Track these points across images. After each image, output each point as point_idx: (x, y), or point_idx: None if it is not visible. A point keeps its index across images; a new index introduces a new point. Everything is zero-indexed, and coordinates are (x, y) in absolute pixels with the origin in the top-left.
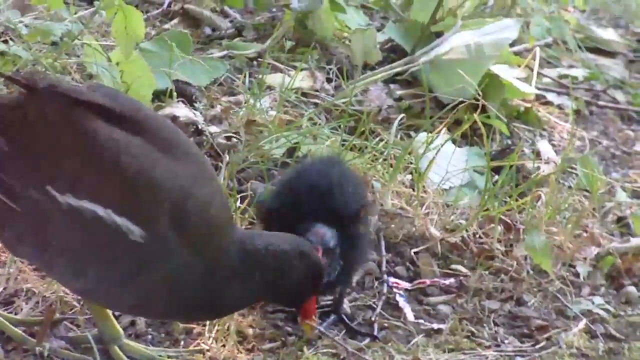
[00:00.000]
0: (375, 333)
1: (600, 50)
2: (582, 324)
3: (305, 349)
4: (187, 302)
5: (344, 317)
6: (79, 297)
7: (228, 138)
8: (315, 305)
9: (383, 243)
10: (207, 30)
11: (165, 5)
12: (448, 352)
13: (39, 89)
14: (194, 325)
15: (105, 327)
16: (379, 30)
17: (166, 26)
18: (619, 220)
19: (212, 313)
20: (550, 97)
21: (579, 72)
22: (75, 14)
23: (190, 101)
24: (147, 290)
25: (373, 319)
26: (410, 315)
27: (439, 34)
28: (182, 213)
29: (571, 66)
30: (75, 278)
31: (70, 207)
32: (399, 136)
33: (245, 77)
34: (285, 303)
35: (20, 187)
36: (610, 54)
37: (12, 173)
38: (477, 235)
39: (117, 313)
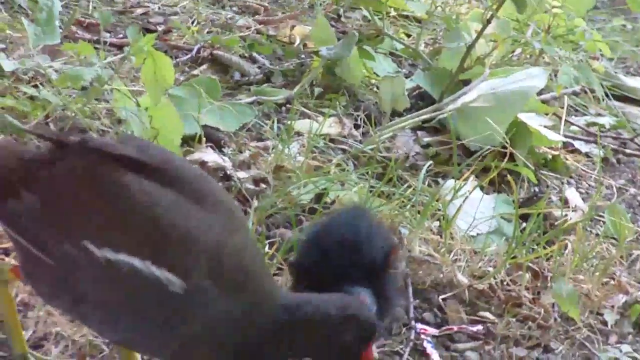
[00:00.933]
0: None
1: (627, 98)
2: None
3: None
4: (227, 350)
5: None
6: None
7: (256, 183)
8: (372, 354)
9: (411, 289)
10: (236, 76)
11: (194, 52)
12: None
13: (69, 145)
14: None
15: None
16: (407, 77)
17: (195, 72)
18: None
19: None
20: (578, 145)
21: (607, 120)
22: (105, 59)
23: (218, 146)
24: (187, 341)
25: None
26: None
27: (466, 82)
28: (217, 262)
29: (599, 114)
30: (112, 330)
31: (108, 261)
32: (426, 183)
33: (273, 122)
34: None
35: (54, 242)
36: (638, 102)
37: (45, 228)
38: (505, 283)
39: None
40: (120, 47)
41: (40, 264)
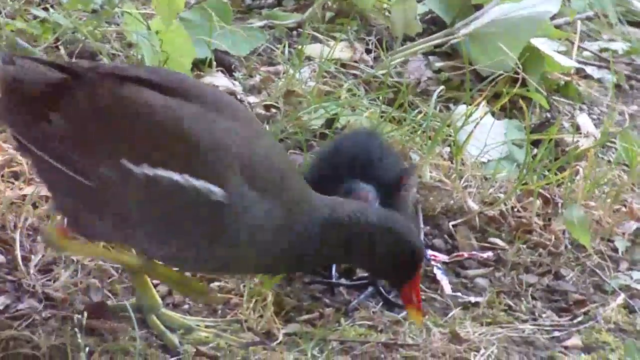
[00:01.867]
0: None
1: None
2: (620, 299)
3: (342, 320)
4: (272, 252)
5: (381, 289)
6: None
7: (267, 108)
8: (417, 288)
9: (421, 215)
10: (248, 0)
11: None
12: (485, 326)
13: (82, 74)
14: (232, 296)
15: (145, 296)
16: (419, 1)
17: None
18: None
19: (294, 264)
20: (590, 70)
21: (620, 46)
22: None
23: (229, 71)
24: (234, 248)
25: None
26: (447, 288)
27: (479, 7)
28: (250, 166)
29: (611, 40)
30: (159, 247)
31: (147, 177)
32: (438, 109)
33: (284, 47)
34: (382, 277)
35: (89, 165)
36: None
37: (78, 152)
38: (515, 209)
39: (155, 282)
40: None
41: (77, 192)
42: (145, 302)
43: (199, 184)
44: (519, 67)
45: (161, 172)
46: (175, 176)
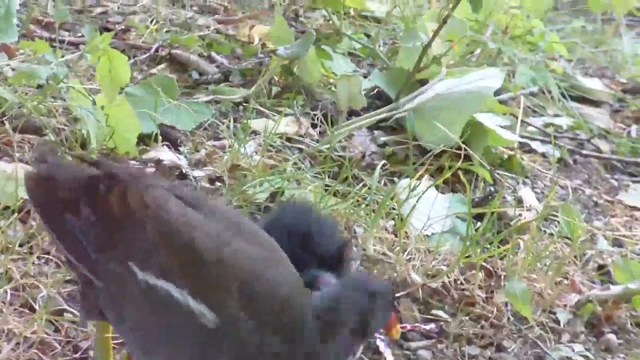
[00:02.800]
0: None
1: (585, 99)
2: None
3: None
4: None
5: None
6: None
7: (212, 182)
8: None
9: None
10: (194, 75)
11: (152, 51)
12: None
13: (115, 174)
14: None
15: None
16: (365, 77)
17: (153, 71)
18: (600, 268)
19: None
20: (535, 145)
21: (564, 121)
22: (62, 57)
23: (175, 145)
24: None
25: None
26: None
27: (423, 82)
28: (251, 293)
29: (556, 115)
30: (144, 355)
31: (147, 285)
32: (382, 182)
33: (230, 121)
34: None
35: (102, 260)
36: (596, 104)
37: (95, 246)
38: (459, 282)
39: None
40: (78, 46)
41: (89, 283)
42: None
43: (193, 303)
44: (462, 142)
45: (162, 283)
46: (173, 290)
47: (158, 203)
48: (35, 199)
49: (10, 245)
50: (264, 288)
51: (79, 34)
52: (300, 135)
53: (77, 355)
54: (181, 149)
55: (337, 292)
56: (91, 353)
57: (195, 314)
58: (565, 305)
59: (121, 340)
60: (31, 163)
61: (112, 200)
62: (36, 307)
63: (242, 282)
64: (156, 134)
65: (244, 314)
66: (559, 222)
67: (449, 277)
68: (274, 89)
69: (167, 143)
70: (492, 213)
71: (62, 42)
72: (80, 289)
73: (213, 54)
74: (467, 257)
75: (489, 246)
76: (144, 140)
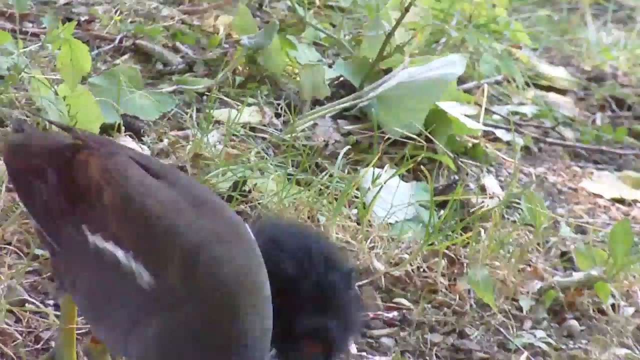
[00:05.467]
0: None
1: (550, 87)
2: (524, 357)
3: None
4: None
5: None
6: None
7: None
8: None
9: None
10: (159, 66)
11: (116, 41)
12: None
13: (88, 143)
14: None
15: None
16: (330, 66)
17: (117, 61)
18: (563, 254)
19: None
20: (499, 133)
21: (529, 110)
22: (25, 48)
23: (138, 135)
24: (145, 343)
25: None
26: (353, 348)
27: (387, 71)
28: (192, 265)
29: (521, 103)
30: (95, 324)
31: (97, 248)
32: (346, 171)
33: (193, 111)
34: None
35: (62, 226)
36: (561, 92)
37: (57, 212)
38: (421, 269)
39: None
40: (40, 37)
41: (55, 258)
42: None
43: (135, 265)
44: (426, 130)
45: (109, 247)
46: (119, 253)
47: (118, 169)
48: (9, 166)
49: None
50: (205, 263)
51: (43, 26)
52: (263, 125)
53: (38, 346)
54: (144, 139)
55: None
56: (53, 344)
57: (135, 276)
58: (527, 292)
59: (85, 330)
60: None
61: (75, 165)
62: None
63: (185, 253)
64: (119, 124)
65: (181, 283)
66: (522, 209)
67: (411, 265)
68: (238, 79)
69: (130, 133)
70: (455, 201)
71: (25, 33)
72: (51, 261)
73: (178, 44)
74: (430, 244)
75: (451, 234)
76: (107, 130)
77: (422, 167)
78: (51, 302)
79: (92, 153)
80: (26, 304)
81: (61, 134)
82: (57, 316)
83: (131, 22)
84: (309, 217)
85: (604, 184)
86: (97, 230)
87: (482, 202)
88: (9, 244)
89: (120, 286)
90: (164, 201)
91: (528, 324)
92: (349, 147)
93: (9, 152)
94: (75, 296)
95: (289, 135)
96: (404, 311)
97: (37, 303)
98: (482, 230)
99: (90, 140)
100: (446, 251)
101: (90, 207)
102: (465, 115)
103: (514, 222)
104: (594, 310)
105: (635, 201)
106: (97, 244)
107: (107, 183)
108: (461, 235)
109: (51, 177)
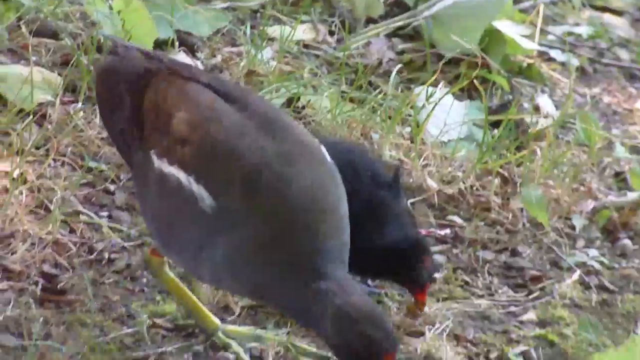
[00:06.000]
0: (370, 282)
1: (605, 8)
2: (576, 275)
3: None
4: (249, 279)
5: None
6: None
7: None
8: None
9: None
10: None
11: None
12: (442, 301)
13: (163, 63)
14: None
15: (204, 321)
16: None
17: None
18: (617, 175)
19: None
20: (554, 54)
21: (584, 30)
22: None
23: (192, 51)
24: (214, 263)
25: None
26: None
27: None
28: (254, 185)
29: (576, 24)
30: (162, 247)
31: (162, 173)
32: (399, 89)
33: (247, 28)
34: None
35: (134, 151)
36: (617, 13)
37: (129, 136)
38: (474, 188)
39: None
40: None
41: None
42: (206, 326)
43: (196, 188)
44: (481, 49)
45: (173, 171)
46: (182, 176)
47: (189, 95)
48: (96, 90)
49: (26, 148)
50: (268, 182)
51: None
52: (317, 42)
53: (92, 257)
54: (198, 54)
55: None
56: (106, 255)
57: (197, 199)
58: (581, 212)
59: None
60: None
61: (150, 92)
62: (51, 207)
63: (246, 174)
64: (173, 40)
65: (243, 204)
66: (576, 129)
67: (464, 183)
68: None
69: (183, 49)
70: (509, 120)
71: None
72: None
73: None
74: (483, 163)
75: (505, 153)
76: (160, 46)
77: (476, 86)
78: (105, 213)
79: (166, 79)
80: (80, 215)
81: (144, 58)
82: (110, 228)
83: None
84: (362, 135)
85: None
86: (163, 155)
87: (537, 121)
88: (64, 155)
89: (185, 210)
90: (229, 126)
91: (581, 242)
92: (402, 65)
93: (97, 77)
94: (146, 221)
95: (343, 53)
96: (457, 229)
97: (91, 214)
98: (536, 150)
99: (168, 65)
100: (499, 170)
101: (160, 133)
102: (520, 35)
103: (568, 142)
104: None
105: None
106: (162, 169)
107: (176, 109)
108: (515, 154)
109: (127, 102)
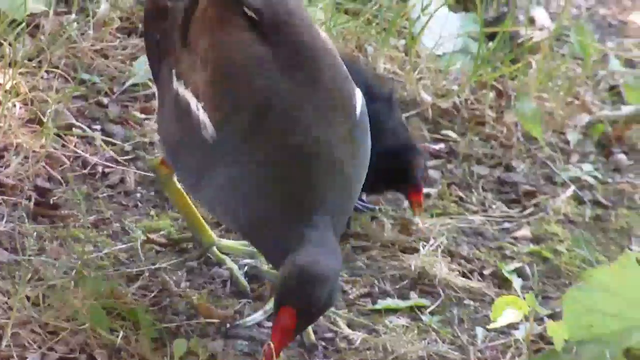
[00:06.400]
0: (365, 198)
1: None
2: (570, 190)
3: None
4: (241, 215)
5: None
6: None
7: None
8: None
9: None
10: None
11: None
12: (436, 217)
13: None
14: None
15: (202, 235)
16: None
17: None
18: (612, 88)
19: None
20: None
21: None
22: None
23: None
24: (213, 189)
25: None
26: None
27: None
28: (261, 121)
29: None
30: (172, 163)
31: (177, 94)
32: (394, 1)
33: None
34: None
35: (161, 67)
36: None
37: (162, 51)
38: (469, 101)
39: None
40: None
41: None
42: (203, 240)
43: (202, 115)
44: None
45: (187, 94)
46: (193, 102)
47: (223, 21)
48: (145, 5)
49: (19, 59)
50: (276, 120)
51: None
52: None
53: (85, 171)
54: None
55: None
56: (99, 169)
57: (200, 125)
58: (575, 126)
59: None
60: None
61: (190, 13)
62: (44, 120)
63: (252, 111)
64: None
65: (245, 140)
66: (571, 42)
67: (459, 97)
68: None
69: None
70: (504, 32)
71: None
72: None
73: None
74: (478, 76)
75: (500, 65)
76: None
77: None
78: (98, 127)
79: (210, 4)
80: (73, 129)
81: None
82: (104, 141)
83: None
84: (356, 47)
85: None
86: (182, 77)
87: (532, 34)
88: (57, 67)
89: (191, 134)
90: (248, 58)
91: (575, 157)
92: None
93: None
94: (159, 138)
95: None
96: (451, 143)
97: (84, 127)
98: (531, 63)
99: None
100: (494, 83)
101: (186, 54)
102: None
103: (563, 55)
104: None
105: None
106: (178, 90)
107: (205, 34)
108: (509, 67)
109: (168, 19)
